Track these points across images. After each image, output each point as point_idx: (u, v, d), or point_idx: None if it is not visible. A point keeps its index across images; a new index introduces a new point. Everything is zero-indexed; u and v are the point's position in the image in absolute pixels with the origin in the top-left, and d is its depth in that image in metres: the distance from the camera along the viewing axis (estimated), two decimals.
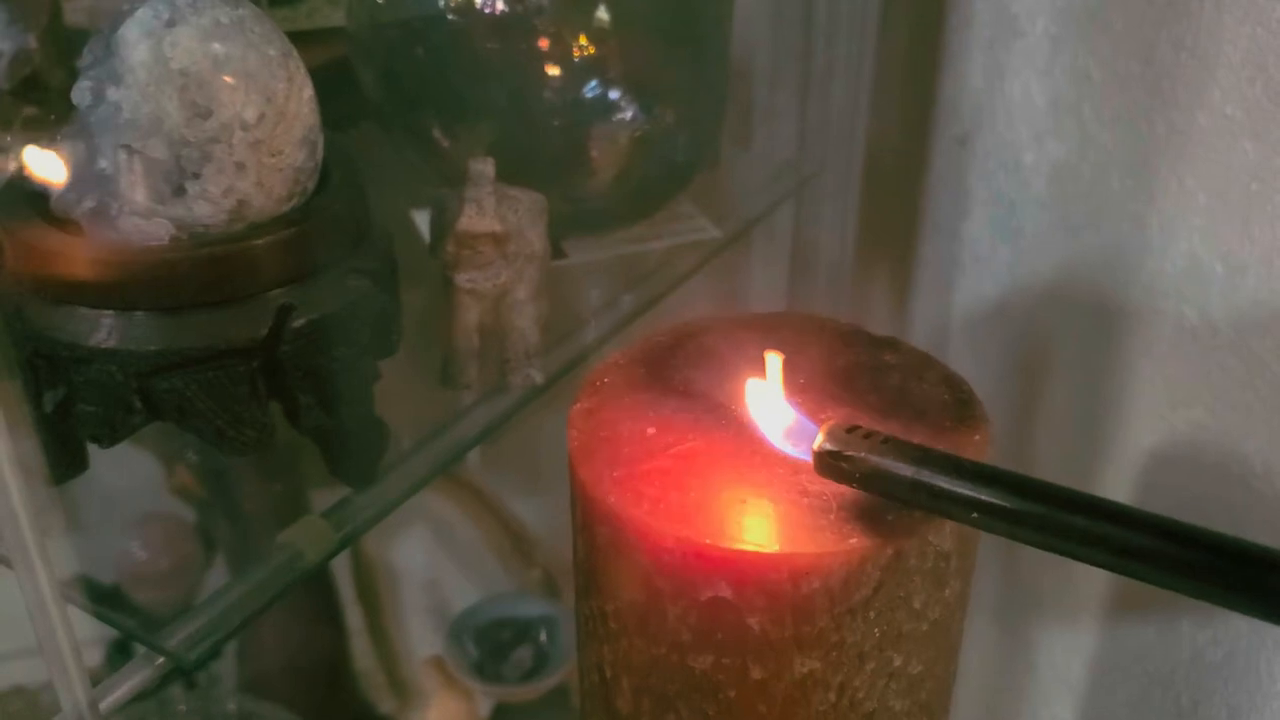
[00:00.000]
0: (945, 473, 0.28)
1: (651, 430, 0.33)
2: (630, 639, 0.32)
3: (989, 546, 0.66)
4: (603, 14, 0.48)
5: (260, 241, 0.37)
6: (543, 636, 0.64)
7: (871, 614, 0.30)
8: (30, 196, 0.38)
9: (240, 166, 0.35)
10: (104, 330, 0.37)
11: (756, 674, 0.31)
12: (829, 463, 0.29)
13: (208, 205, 0.36)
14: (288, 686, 0.77)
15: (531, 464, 0.83)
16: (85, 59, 0.36)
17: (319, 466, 0.42)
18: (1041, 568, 0.66)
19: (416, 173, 0.55)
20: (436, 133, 0.50)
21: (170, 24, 0.34)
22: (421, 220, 0.54)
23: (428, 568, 0.79)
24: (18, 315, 0.37)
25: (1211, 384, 0.55)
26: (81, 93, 0.34)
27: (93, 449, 0.41)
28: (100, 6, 0.54)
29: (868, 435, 0.29)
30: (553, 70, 0.48)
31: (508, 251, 0.43)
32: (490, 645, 0.64)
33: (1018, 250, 0.65)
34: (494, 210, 0.42)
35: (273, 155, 0.36)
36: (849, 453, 0.29)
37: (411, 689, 0.78)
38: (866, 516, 0.30)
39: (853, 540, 0.29)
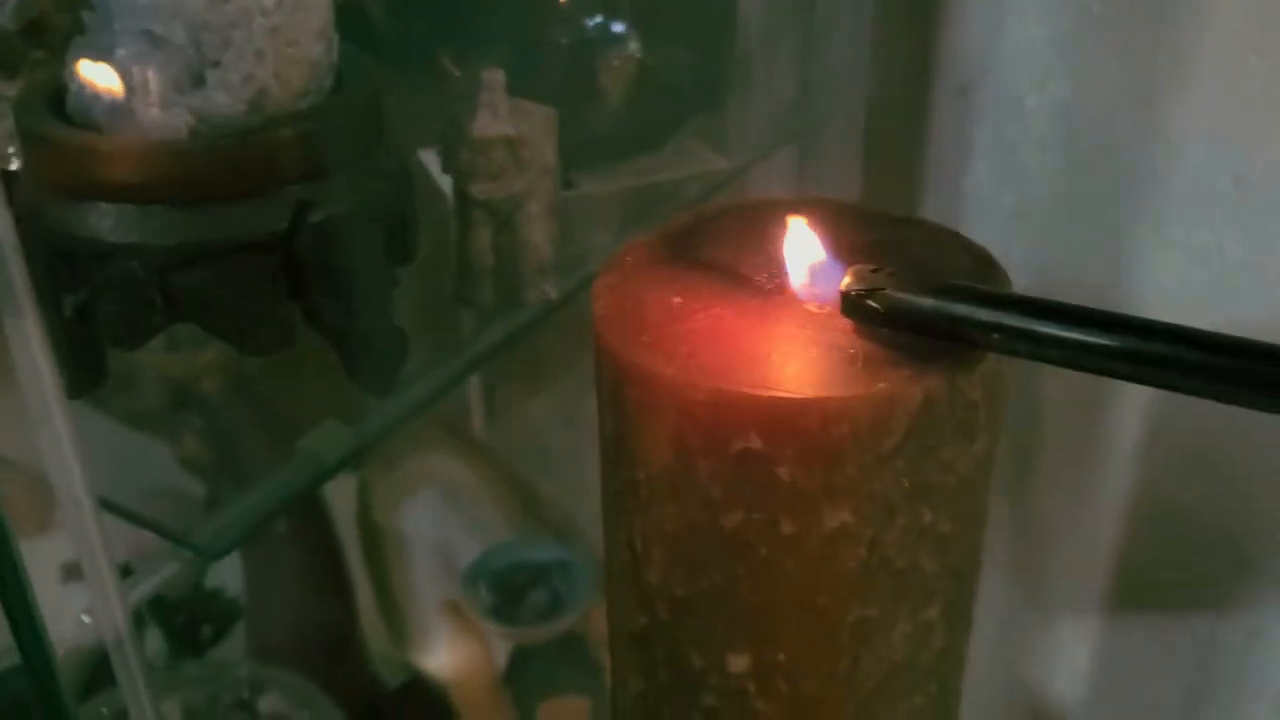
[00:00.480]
0: (965, 300, 0.28)
1: (677, 299, 0.33)
2: (661, 505, 0.32)
3: (1001, 523, 0.66)
4: None
5: (278, 135, 0.37)
6: (557, 582, 0.64)
7: (900, 463, 0.30)
8: (48, 98, 0.39)
9: (259, 54, 0.35)
10: (124, 226, 0.37)
11: (787, 528, 0.31)
12: (855, 301, 0.30)
13: (227, 95, 0.36)
14: (296, 657, 0.77)
15: (536, 432, 0.83)
16: None
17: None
18: (1051, 506, 0.66)
19: (424, 117, 0.56)
20: (447, 63, 0.51)
21: None
22: (430, 161, 0.54)
23: (436, 531, 0.79)
24: (37, 215, 0.37)
25: (1222, 306, 0.55)
26: None
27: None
28: None
29: (891, 273, 0.29)
30: None
31: (521, 158, 0.43)
32: (506, 589, 0.63)
33: (1020, 195, 0.66)
34: (507, 115, 0.42)
35: (290, 45, 0.36)
36: (874, 288, 0.29)
37: (420, 651, 0.77)
38: (895, 365, 0.30)
39: (881, 385, 0.29)
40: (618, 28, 0.51)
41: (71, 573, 0.84)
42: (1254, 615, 0.59)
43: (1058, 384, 0.66)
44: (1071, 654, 0.69)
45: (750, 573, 0.32)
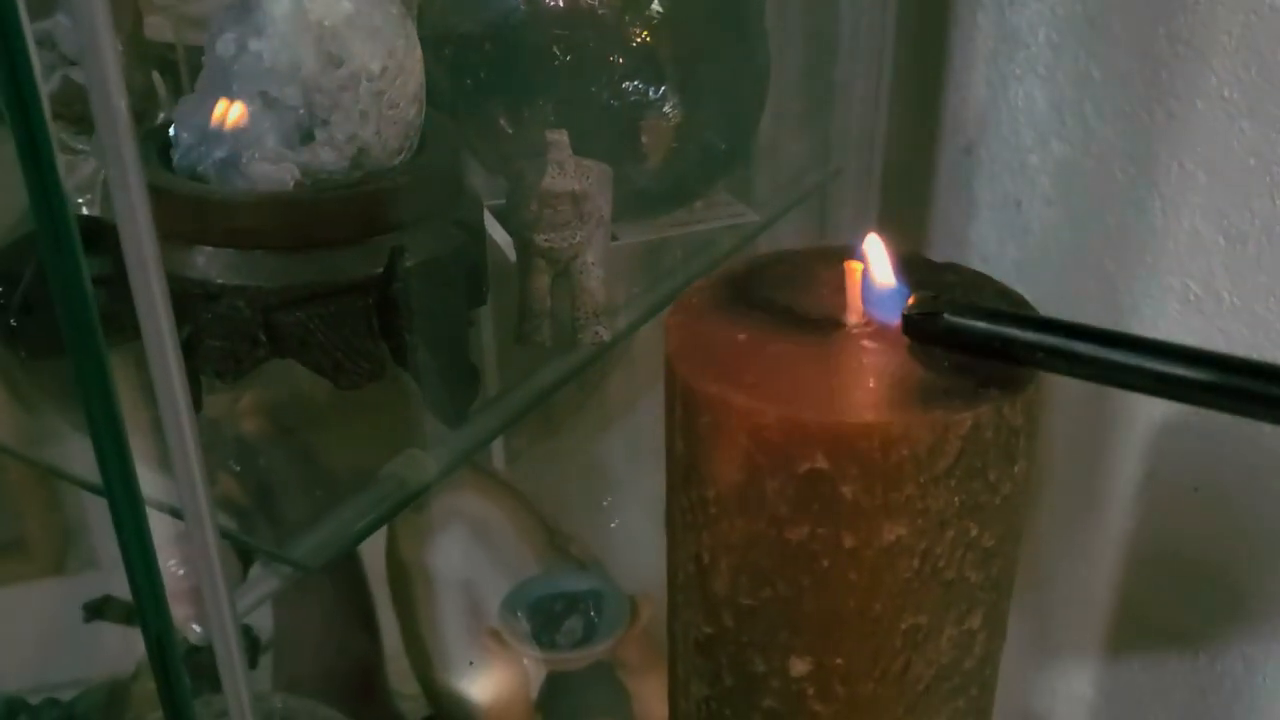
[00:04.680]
0: (1015, 325, 0.33)
1: (742, 336, 0.37)
2: (730, 520, 0.36)
3: None
4: (657, 7, 0.53)
5: (376, 188, 0.41)
6: (590, 610, 0.67)
7: (952, 482, 0.34)
8: (157, 150, 0.42)
9: (364, 115, 0.39)
10: (231, 268, 0.40)
11: (849, 542, 0.34)
12: (917, 322, 0.34)
13: (332, 152, 0.40)
14: (322, 691, 0.79)
15: (557, 466, 0.86)
16: (219, 21, 0.40)
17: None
18: (1053, 543, 0.70)
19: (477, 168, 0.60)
20: (502, 121, 0.55)
21: None
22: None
23: (463, 567, 0.81)
24: None
25: (1216, 349, 0.59)
26: (226, 44, 0.38)
27: None
28: (184, 13, 0.58)
29: (950, 300, 0.33)
30: (612, 59, 0.53)
31: (584, 211, 0.47)
32: (543, 617, 0.67)
33: (1025, 248, 0.70)
34: (573, 171, 0.46)
35: (391, 108, 0.40)
36: (934, 312, 0.33)
37: (445, 685, 0.80)
38: (946, 394, 0.34)
39: (937, 412, 0.33)
40: (659, 91, 0.55)
41: (93, 612, 0.86)
42: (1251, 645, 0.63)
43: (1060, 424, 0.69)
44: (1073, 683, 0.73)
45: (813, 582, 0.35)
